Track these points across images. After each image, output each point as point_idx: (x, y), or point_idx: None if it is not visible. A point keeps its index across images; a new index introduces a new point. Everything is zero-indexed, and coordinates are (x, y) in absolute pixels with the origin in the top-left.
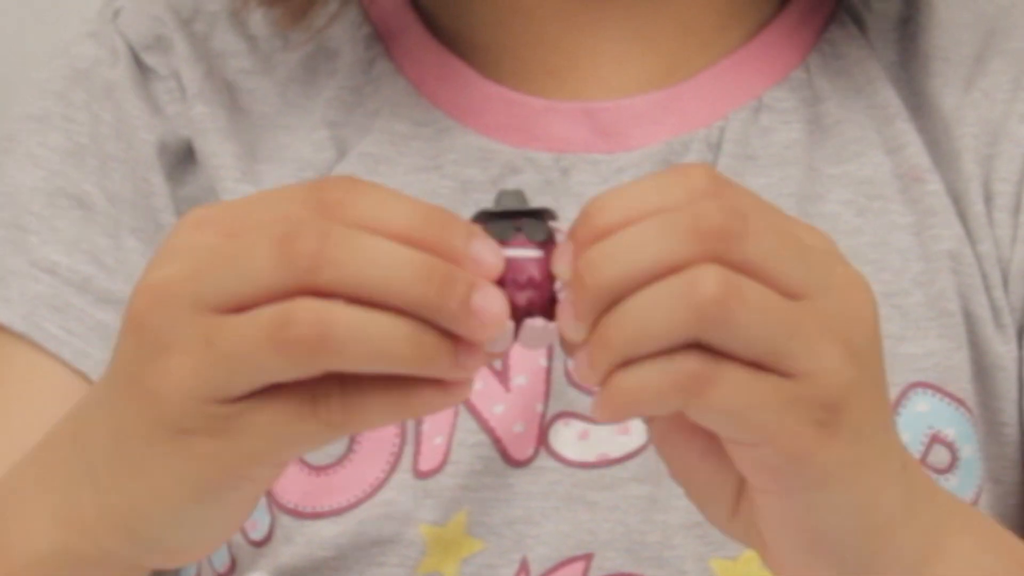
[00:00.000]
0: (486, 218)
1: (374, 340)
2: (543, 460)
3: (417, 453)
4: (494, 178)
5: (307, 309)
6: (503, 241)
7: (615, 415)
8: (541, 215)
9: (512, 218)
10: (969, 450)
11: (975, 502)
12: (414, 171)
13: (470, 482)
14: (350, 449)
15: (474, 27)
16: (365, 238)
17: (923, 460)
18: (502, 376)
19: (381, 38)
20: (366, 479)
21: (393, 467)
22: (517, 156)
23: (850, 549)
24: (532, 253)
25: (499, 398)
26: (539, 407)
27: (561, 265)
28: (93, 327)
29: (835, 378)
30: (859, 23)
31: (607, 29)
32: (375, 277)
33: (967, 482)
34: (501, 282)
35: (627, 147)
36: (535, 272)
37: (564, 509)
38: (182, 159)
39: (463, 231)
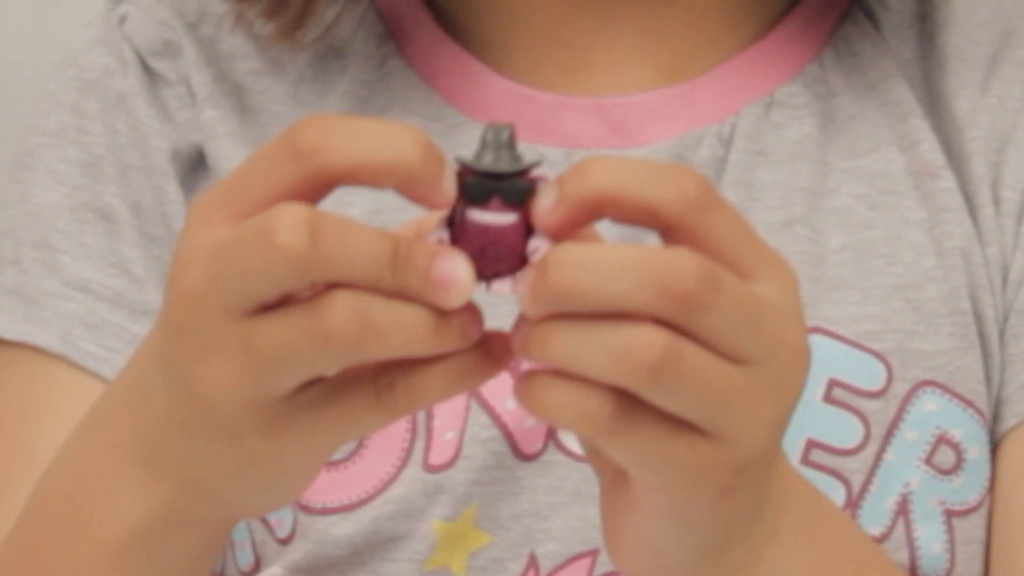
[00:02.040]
0: (466, 172)
1: (404, 327)
2: (552, 455)
3: (428, 448)
4: None
5: (342, 302)
6: (477, 203)
7: (527, 410)
8: (523, 172)
9: (492, 178)
10: (976, 452)
11: (981, 503)
12: None
13: (481, 476)
14: (361, 444)
15: (486, 23)
16: (343, 224)
17: (928, 460)
18: (515, 370)
19: (393, 35)
20: (377, 474)
21: (404, 462)
22: (528, 151)
23: (684, 565)
24: (505, 219)
25: (511, 392)
26: None
27: (542, 215)
28: (130, 341)
29: (753, 446)
30: (873, 20)
31: (619, 25)
32: (360, 264)
33: (972, 483)
34: (472, 244)
35: (639, 142)
36: (506, 238)
37: (572, 504)
38: (194, 165)
39: (437, 156)
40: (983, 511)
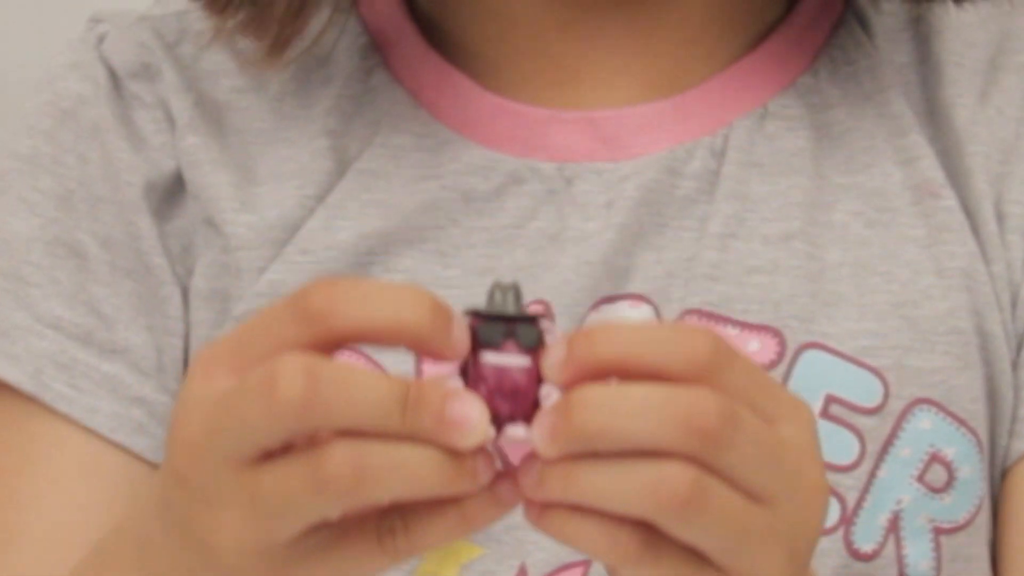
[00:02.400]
0: (477, 320)
1: (405, 472)
2: None
3: None
4: (497, 188)
5: (340, 452)
6: (492, 346)
7: (549, 535)
8: (533, 320)
9: (504, 321)
10: (968, 470)
11: (971, 520)
12: (413, 182)
13: None
14: None
15: (476, 38)
16: (342, 371)
17: (921, 478)
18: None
19: (378, 48)
20: None
21: None
22: (520, 166)
23: None
24: (519, 361)
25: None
26: None
27: (552, 368)
28: (99, 381)
29: None
30: (867, 28)
31: (609, 39)
32: (360, 411)
33: (962, 501)
34: (487, 387)
35: (630, 155)
36: (521, 381)
37: None
38: (170, 193)
39: (446, 315)
40: (971, 529)
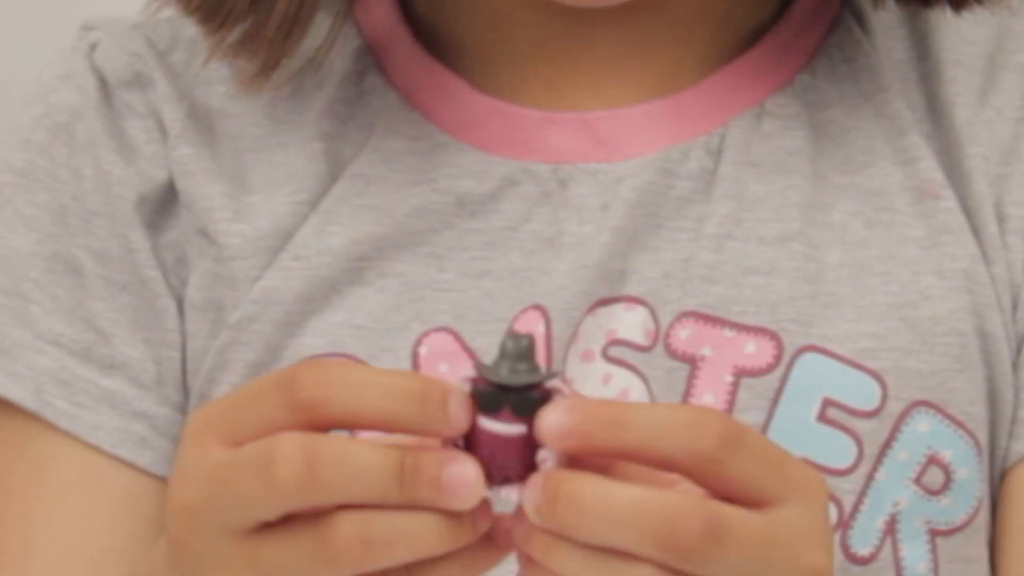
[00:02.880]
0: (480, 381)
1: (410, 539)
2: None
3: None
4: (492, 190)
5: (345, 525)
6: (487, 413)
7: None
8: (536, 386)
9: (503, 390)
10: (965, 472)
11: (969, 522)
12: (407, 186)
13: None
14: None
15: (470, 40)
16: (339, 449)
17: (918, 480)
18: None
19: (371, 51)
20: None
21: None
22: (515, 168)
23: None
24: (514, 430)
25: None
26: None
27: (550, 436)
28: (100, 397)
29: None
30: (864, 26)
31: (604, 40)
32: (360, 488)
33: (959, 503)
34: (484, 452)
35: (625, 156)
36: (514, 449)
37: None
38: (162, 204)
39: (437, 400)
40: (968, 531)
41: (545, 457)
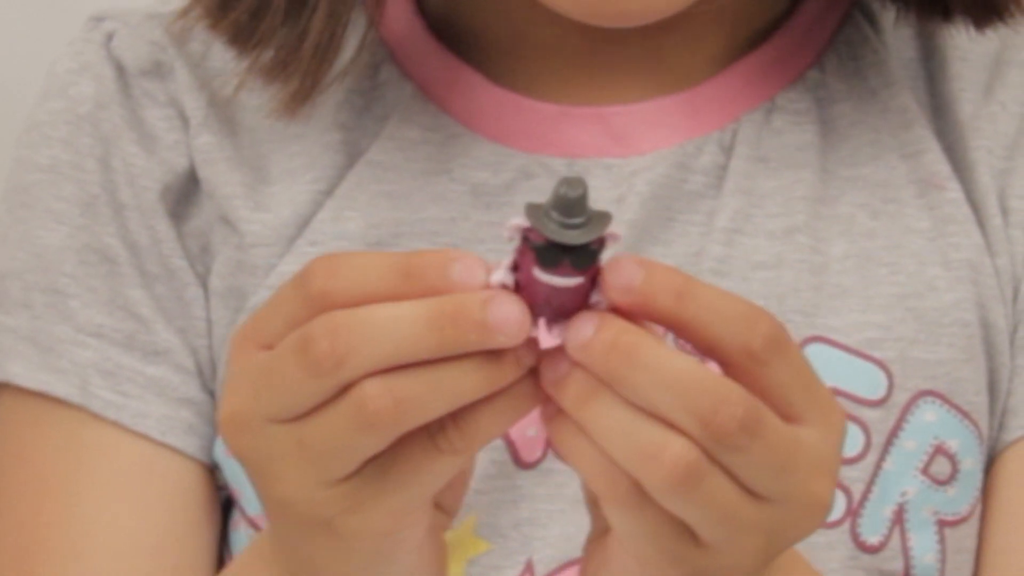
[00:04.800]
0: (534, 234)
1: (445, 391)
2: (551, 462)
3: None
4: (507, 182)
5: (374, 388)
6: (546, 267)
7: (551, 439)
8: (589, 244)
9: (563, 248)
10: (970, 463)
11: (971, 513)
12: (423, 175)
13: (482, 485)
14: None
15: (486, 34)
16: (366, 315)
17: (925, 470)
18: None
19: (385, 43)
20: None
21: None
22: (530, 161)
23: None
24: (573, 282)
25: None
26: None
27: (615, 291)
28: (146, 385)
29: (737, 567)
30: (873, 23)
31: (619, 35)
32: (391, 349)
33: (964, 494)
34: (538, 298)
35: (640, 150)
36: (573, 296)
37: (570, 511)
38: (186, 193)
39: (441, 263)
40: (973, 521)
41: (599, 301)
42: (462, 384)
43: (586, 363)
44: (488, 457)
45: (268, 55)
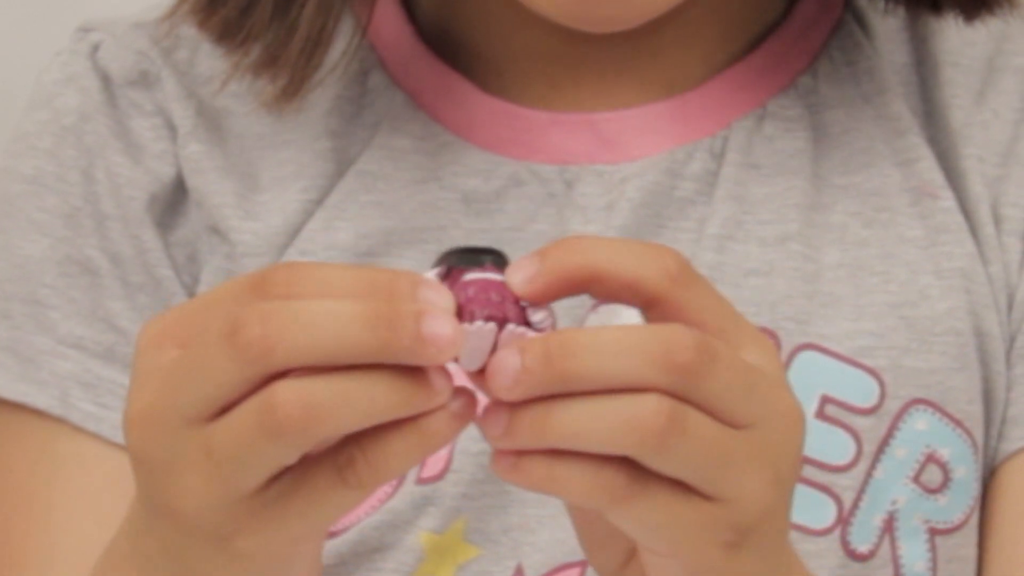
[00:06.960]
0: (450, 256)
1: (358, 403)
2: None
3: (422, 463)
4: (497, 190)
5: (285, 391)
6: (471, 268)
7: (528, 488)
8: (501, 254)
9: (477, 254)
10: (963, 471)
11: (966, 521)
12: (413, 183)
13: (471, 490)
14: None
15: (475, 42)
16: (301, 306)
17: (916, 478)
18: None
19: (375, 49)
20: (375, 495)
21: (400, 481)
22: (521, 169)
23: None
24: (497, 276)
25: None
26: None
27: (525, 282)
28: (124, 396)
29: (755, 505)
30: (866, 29)
31: (609, 42)
32: (322, 341)
33: (957, 502)
34: (465, 307)
35: (630, 157)
36: (497, 293)
37: (560, 516)
38: (172, 203)
39: (408, 281)
40: (966, 530)
41: (541, 319)
42: (376, 399)
43: (533, 388)
44: (476, 461)
45: (257, 51)
